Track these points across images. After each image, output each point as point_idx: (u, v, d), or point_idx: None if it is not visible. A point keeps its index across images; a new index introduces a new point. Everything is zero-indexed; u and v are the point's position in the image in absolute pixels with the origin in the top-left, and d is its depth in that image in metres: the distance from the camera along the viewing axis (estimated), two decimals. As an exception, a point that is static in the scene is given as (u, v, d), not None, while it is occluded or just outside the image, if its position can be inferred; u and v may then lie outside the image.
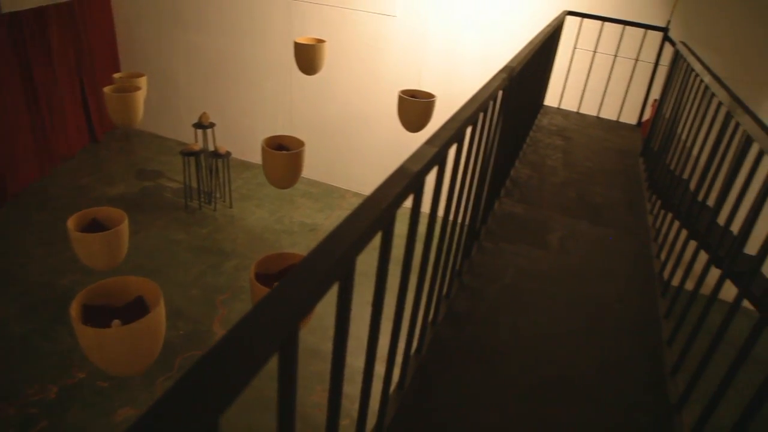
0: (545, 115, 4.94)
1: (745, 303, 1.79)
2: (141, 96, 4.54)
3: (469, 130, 1.66)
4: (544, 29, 3.59)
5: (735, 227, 2.04)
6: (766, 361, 2.17)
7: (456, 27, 6.42)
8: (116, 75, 5.00)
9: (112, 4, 8.07)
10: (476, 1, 6.25)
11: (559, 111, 5.17)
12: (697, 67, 3.07)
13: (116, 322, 2.70)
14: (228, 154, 6.75)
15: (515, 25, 6.13)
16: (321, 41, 5.36)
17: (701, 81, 2.91)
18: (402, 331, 1.64)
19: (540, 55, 3.36)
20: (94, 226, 3.41)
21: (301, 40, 5.31)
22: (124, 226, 3.40)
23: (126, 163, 7.82)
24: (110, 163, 7.76)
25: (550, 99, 5.31)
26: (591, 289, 2.45)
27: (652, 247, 2.87)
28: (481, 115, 1.79)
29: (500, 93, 2.08)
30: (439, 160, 1.33)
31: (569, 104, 5.30)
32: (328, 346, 4.44)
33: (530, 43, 2.91)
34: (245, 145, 7.91)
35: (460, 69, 6.54)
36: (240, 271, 5.75)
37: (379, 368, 1.68)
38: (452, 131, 1.37)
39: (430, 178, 1.35)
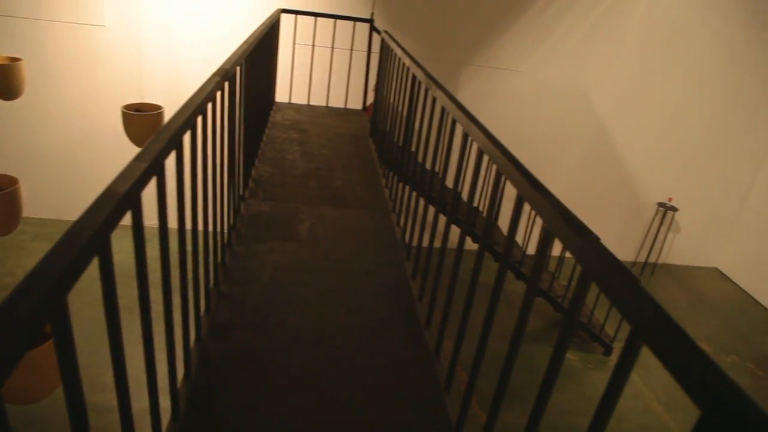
0: (278, 111, 5.04)
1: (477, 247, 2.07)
2: None
3: (188, 136, 1.61)
4: (258, 28, 3.63)
5: (469, 187, 2.34)
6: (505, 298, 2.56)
7: (175, 31, 6.13)
8: None
9: None
10: (191, 3, 6.04)
11: (290, 105, 5.32)
12: (398, 52, 3.43)
13: None
14: None
15: (237, 25, 6.08)
16: (16, 59, 4.65)
17: (403, 63, 3.26)
18: (162, 359, 1.54)
19: (259, 54, 3.40)
20: None
21: (-14, 62, 4.54)
22: None
23: None
24: None
25: (281, 95, 5.43)
26: (345, 268, 2.60)
27: (392, 217, 3.15)
28: (200, 119, 1.75)
29: (218, 94, 2.06)
30: (156, 172, 1.26)
31: (299, 98, 5.49)
32: (101, 398, 3.97)
33: (244, 42, 2.92)
34: (-61, 193, 6.54)
35: (186, 74, 6.28)
36: (-37, 343, 4.77)
37: (163, 402, 1.56)
38: (164, 142, 1.31)
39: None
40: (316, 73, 5.50)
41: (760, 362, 6.13)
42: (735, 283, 7.78)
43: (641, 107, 7.11)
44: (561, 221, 1.16)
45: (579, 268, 1.07)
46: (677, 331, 0.80)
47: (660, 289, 7.43)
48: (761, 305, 7.28)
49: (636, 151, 7.36)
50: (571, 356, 5.67)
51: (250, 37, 3.10)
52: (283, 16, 5.20)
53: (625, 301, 0.92)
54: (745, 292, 7.59)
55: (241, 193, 3.00)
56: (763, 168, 7.55)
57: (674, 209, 7.53)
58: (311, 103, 5.51)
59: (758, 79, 7.06)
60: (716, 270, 8.13)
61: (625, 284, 0.92)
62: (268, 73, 4.41)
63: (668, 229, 7.80)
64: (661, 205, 7.60)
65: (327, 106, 5.49)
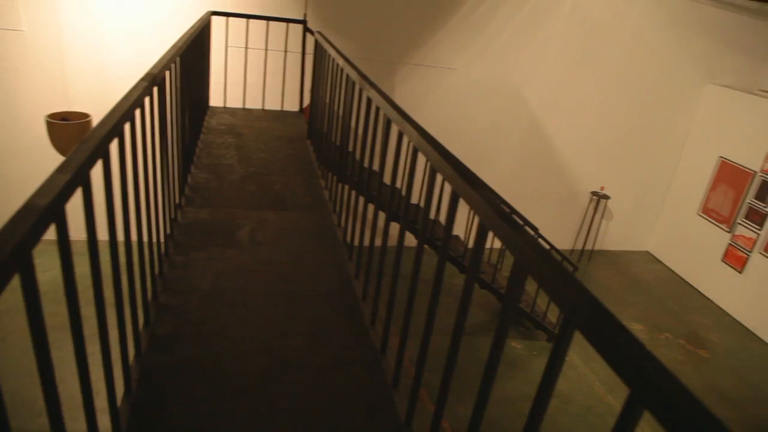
0: (213, 115, 4.93)
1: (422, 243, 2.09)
2: None
3: (115, 144, 1.56)
4: (188, 31, 3.54)
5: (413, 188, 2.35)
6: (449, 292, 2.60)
7: (101, 36, 5.87)
8: None
9: None
10: (117, 6, 5.81)
11: (225, 110, 5.21)
12: (332, 52, 3.42)
13: None
14: None
15: (167, 28, 5.89)
16: None
17: (337, 64, 3.25)
18: (99, 378, 1.49)
19: (190, 57, 3.32)
20: None
21: None
22: None
23: None
24: None
25: (215, 99, 5.32)
26: (287, 272, 2.58)
27: (333, 218, 3.14)
28: (128, 126, 1.70)
29: (147, 100, 2.00)
30: (81, 183, 1.21)
31: (234, 102, 5.39)
32: (38, 423, 3.78)
33: (173, 46, 2.84)
34: None
35: (115, 80, 6.03)
36: None
37: (104, 421, 1.50)
38: (88, 152, 1.26)
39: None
40: (250, 75, 5.42)
41: (691, 337, 6.48)
42: (665, 265, 8.19)
43: (571, 100, 7.38)
44: (494, 215, 1.19)
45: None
46: (606, 315, 0.83)
47: (597, 274, 7.74)
48: (689, 284, 7.69)
49: (568, 143, 7.63)
50: (517, 345, 5.82)
51: (179, 41, 3.02)
52: (214, 18, 5.09)
53: (557, 289, 0.95)
54: (674, 272, 8.00)
55: (177, 201, 2.92)
56: (683, 155, 7.98)
57: (606, 197, 7.86)
58: (247, 106, 5.42)
59: (675, 72, 7.46)
60: (647, 253, 8.53)
61: (556, 273, 0.96)
62: (200, 77, 4.31)
63: (602, 216, 8.13)
64: (594, 193, 7.91)
65: (263, 109, 5.42)
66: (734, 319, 6.97)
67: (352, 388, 1.95)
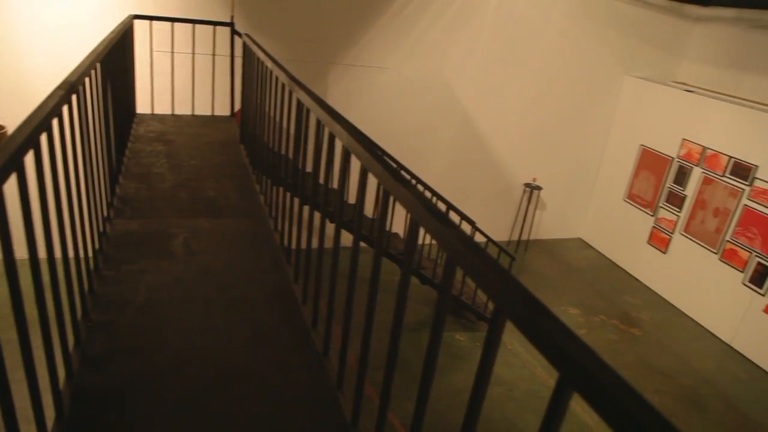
0: (140, 123, 4.77)
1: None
2: None
3: (31, 156, 1.48)
4: (108, 36, 3.41)
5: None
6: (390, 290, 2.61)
7: (15, 39, 5.54)
8: None
9: None
10: (34, 8, 5.49)
11: (153, 116, 5.05)
12: (260, 54, 3.38)
13: None
14: None
15: (90, 33, 5.63)
16: None
17: (266, 66, 3.21)
18: (25, 405, 1.42)
19: (112, 63, 3.20)
20: None
21: None
22: None
23: None
24: None
25: (142, 106, 5.14)
26: (224, 280, 2.53)
27: (270, 222, 3.11)
28: (44, 136, 1.62)
29: (66, 108, 1.91)
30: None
31: (162, 108, 5.22)
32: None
33: (93, 52, 2.73)
34: None
35: (33, 89, 5.66)
36: None
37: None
38: (-1, 165, 1.19)
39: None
40: (178, 80, 5.26)
41: (623, 318, 6.80)
42: (596, 250, 8.55)
43: (500, 96, 7.58)
44: (424, 211, 1.21)
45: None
46: (534, 303, 0.87)
47: (533, 263, 7.98)
48: (619, 267, 8.06)
49: (500, 137, 7.84)
50: (460, 337, 5.93)
51: (99, 46, 2.90)
52: (137, 22, 4.92)
53: (487, 281, 0.98)
54: (605, 257, 8.36)
55: (105, 213, 2.81)
56: (608, 145, 8.35)
57: (539, 188, 8.12)
58: (176, 112, 5.27)
59: (596, 65, 7.80)
60: (580, 240, 8.88)
61: (486, 265, 0.98)
62: (125, 84, 4.15)
63: (535, 207, 8.39)
64: (527, 185, 8.15)
65: (193, 115, 5.28)
66: (661, 297, 7.36)
67: (296, 391, 1.93)
